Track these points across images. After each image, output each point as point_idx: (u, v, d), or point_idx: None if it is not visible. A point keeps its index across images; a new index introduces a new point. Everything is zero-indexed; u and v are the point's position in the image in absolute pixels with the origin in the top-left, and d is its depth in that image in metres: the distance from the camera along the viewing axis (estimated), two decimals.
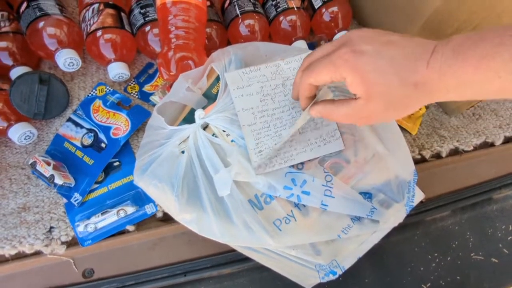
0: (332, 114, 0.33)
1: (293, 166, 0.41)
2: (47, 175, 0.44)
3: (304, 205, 0.42)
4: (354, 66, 0.28)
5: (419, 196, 0.46)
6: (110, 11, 0.51)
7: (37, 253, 0.43)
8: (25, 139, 0.47)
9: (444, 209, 0.57)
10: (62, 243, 0.44)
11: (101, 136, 0.47)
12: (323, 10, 0.57)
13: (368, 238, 0.43)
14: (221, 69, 0.44)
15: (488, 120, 0.61)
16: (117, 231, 0.44)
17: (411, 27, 0.53)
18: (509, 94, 0.25)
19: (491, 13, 0.43)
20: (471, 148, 0.58)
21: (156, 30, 0.52)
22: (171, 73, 0.47)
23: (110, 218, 0.43)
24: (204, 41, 0.51)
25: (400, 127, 0.57)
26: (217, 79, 0.45)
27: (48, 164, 0.44)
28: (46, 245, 0.43)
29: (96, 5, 0.51)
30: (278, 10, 0.56)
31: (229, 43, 0.58)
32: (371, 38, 0.29)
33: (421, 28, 0.52)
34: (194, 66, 0.47)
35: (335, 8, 0.57)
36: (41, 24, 0.48)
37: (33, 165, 0.45)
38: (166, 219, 0.47)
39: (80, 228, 0.43)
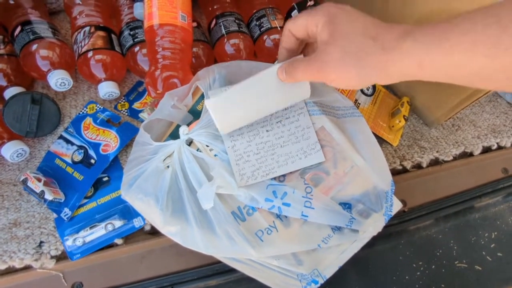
0: (295, 68, 0.33)
1: (274, 178, 0.43)
2: (38, 191, 0.45)
3: (286, 216, 0.43)
4: (329, 11, 0.30)
5: (397, 205, 0.47)
6: (100, 33, 0.54)
7: (27, 268, 0.45)
8: (17, 156, 0.49)
9: (427, 218, 0.59)
10: (52, 257, 0.45)
11: (91, 152, 0.49)
12: None
13: (348, 247, 0.45)
14: (206, 87, 0.46)
15: (467, 131, 0.63)
16: (106, 245, 0.46)
17: None
18: (483, 77, 0.25)
19: None
20: (451, 158, 0.60)
21: (144, 51, 0.54)
22: (158, 91, 0.49)
23: (98, 232, 0.44)
24: (191, 60, 0.53)
25: (382, 139, 0.59)
26: (202, 96, 0.47)
27: (39, 180, 0.46)
28: (36, 260, 0.44)
29: (87, 28, 0.53)
30: (261, 29, 0.59)
31: (215, 61, 0.61)
32: (351, 8, 0.31)
33: None
34: (180, 84, 0.49)
35: None
36: (34, 46, 0.50)
37: (24, 181, 0.46)
38: (154, 232, 0.49)
39: (69, 242, 0.44)
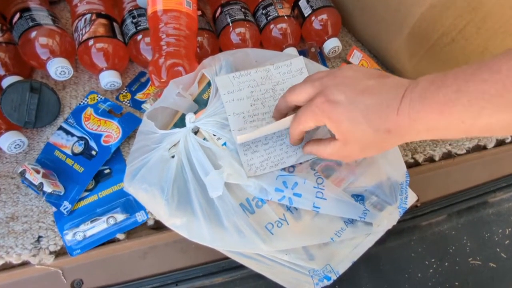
0: (319, 153, 0.37)
1: (284, 169, 0.41)
2: (36, 183, 0.43)
3: (296, 209, 0.41)
4: (329, 116, 0.31)
5: (412, 198, 0.45)
6: (102, 21, 0.52)
7: (25, 264, 0.42)
8: (15, 148, 0.47)
9: (440, 213, 0.57)
10: (51, 253, 0.43)
11: (92, 143, 0.47)
12: (313, 18, 0.58)
13: (362, 241, 0.43)
14: (212, 74, 0.44)
15: None
16: (107, 240, 0.44)
17: (399, 34, 0.54)
18: (476, 134, 0.27)
19: (474, 17, 0.44)
20: (464, 151, 0.58)
21: (147, 39, 0.52)
22: (162, 80, 0.47)
23: (99, 226, 0.42)
24: (196, 49, 0.51)
25: None
26: (208, 84, 0.45)
27: (38, 172, 0.44)
28: (34, 255, 0.42)
29: (88, 15, 0.52)
30: (268, 18, 0.57)
31: (220, 51, 0.59)
32: (346, 87, 0.31)
33: (409, 34, 0.53)
34: (184, 72, 0.47)
35: (324, 16, 0.58)
36: (33, 34, 0.48)
37: (22, 173, 0.44)
38: (158, 227, 0.47)
39: (69, 237, 0.42)
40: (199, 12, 0.57)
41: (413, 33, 0.52)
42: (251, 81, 0.44)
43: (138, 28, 0.53)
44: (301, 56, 0.47)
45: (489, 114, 0.24)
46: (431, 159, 0.57)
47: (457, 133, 0.28)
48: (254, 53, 0.48)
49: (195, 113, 0.44)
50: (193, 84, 0.46)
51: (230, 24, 0.56)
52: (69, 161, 0.47)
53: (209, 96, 0.44)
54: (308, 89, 0.34)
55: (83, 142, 0.47)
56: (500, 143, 0.61)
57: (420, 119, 0.27)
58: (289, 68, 0.46)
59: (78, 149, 0.47)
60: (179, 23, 0.47)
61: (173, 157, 0.41)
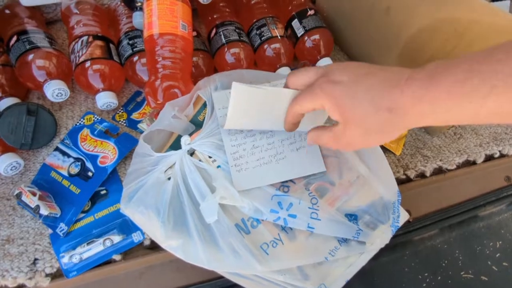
0: (320, 139, 0.35)
1: (279, 189, 0.42)
2: (33, 206, 0.43)
3: (291, 228, 0.42)
4: (330, 94, 0.30)
5: (404, 216, 0.46)
6: (99, 42, 0.53)
7: (21, 287, 0.42)
8: (11, 169, 0.47)
9: (432, 228, 0.58)
10: (47, 275, 0.43)
11: (88, 164, 0.48)
12: (306, 38, 0.60)
13: (355, 260, 0.43)
14: (207, 96, 0.46)
15: (469, 139, 0.63)
16: (103, 261, 0.44)
17: (389, 54, 0.56)
18: (482, 119, 0.26)
19: (461, 41, 0.45)
20: (454, 166, 0.60)
21: (143, 60, 0.53)
22: (158, 102, 0.48)
23: (96, 248, 0.43)
24: (191, 70, 0.52)
25: (385, 148, 0.58)
26: (204, 106, 0.46)
27: (34, 194, 0.44)
28: (30, 278, 0.42)
29: (85, 37, 0.52)
30: (262, 39, 0.58)
31: (215, 71, 0.60)
32: (349, 70, 0.31)
33: (399, 55, 0.54)
34: (180, 94, 0.48)
35: (316, 36, 0.59)
36: (30, 56, 0.49)
37: (18, 195, 0.44)
38: (154, 247, 0.47)
39: (65, 260, 0.42)
40: (194, 33, 0.58)
41: (402, 54, 0.54)
42: None
43: (134, 49, 0.54)
44: None
45: (500, 94, 0.23)
46: (422, 175, 0.59)
47: (463, 116, 0.26)
48: (249, 74, 0.49)
49: (190, 134, 0.45)
50: (188, 106, 0.47)
51: (225, 44, 0.57)
52: (66, 182, 0.47)
53: (204, 118, 0.45)
54: (310, 73, 0.33)
55: (79, 163, 0.48)
56: (489, 158, 0.63)
57: (425, 99, 0.26)
58: None
59: (75, 170, 0.48)
60: (174, 46, 0.48)
61: (169, 179, 0.41)
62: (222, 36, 0.57)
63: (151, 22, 0.48)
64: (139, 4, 0.54)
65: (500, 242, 0.63)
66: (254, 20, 0.60)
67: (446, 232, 0.60)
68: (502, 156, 0.63)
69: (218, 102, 0.44)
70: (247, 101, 0.37)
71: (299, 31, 0.60)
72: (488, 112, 0.25)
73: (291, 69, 0.59)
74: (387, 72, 0.29)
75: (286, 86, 0.37)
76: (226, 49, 0.57)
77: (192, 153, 0.43)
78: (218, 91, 0.45)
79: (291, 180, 0.43)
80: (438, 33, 0.47)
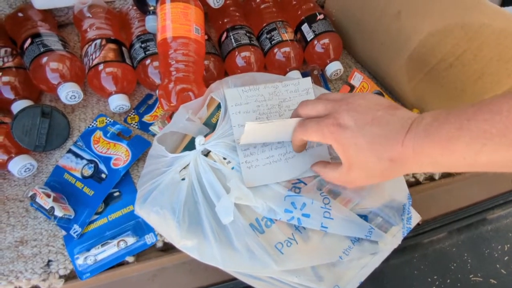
0: (325, 175, 0.39)
1: (291, 189, 0.42)
2: (47, 207, 0.43)
3: (304, 228, 0.42)
4: (337, 139, 0.33)
5: (415, 218, 0.47)
6: (112, 46, 0.53)
7: None
8: (25, 171, 0.47)
9: (440, 230, 0.58)
10: (60, 277, 0.43)
11: (102, 166, 0.48)
12: (315, 42, 0.60)
13: (368, 262, 0.43)
14: (221, 97, 0.46)
15: None
16: (116, 263, 0.44)
17: (399, 58, 0.56)
18: (478, 169, 0.28)
19: (471, 45, 0.46)
20: None
21: (156, 63, 0.54)
22: (172, 104, 0.48)
23: (110, 250, 0.43)
24: (203, 73, 0.53)
25: None
26: (217, 108, 0.47)
27: (48, 196, 0.44)
28: (44, 280, 0.42)
29: (98, 41, 0.53)
30: (272, 42, 0.59)
31: (226, 74, 0.60)
32: (357, 114, 0.33)
33: (408, 59, 0.55)
34: (193, 97, 0.48)
35: (326, 40, 0.60)
36: (44, 59, 0.49)
37: (32, 197, 0.45)
38: (166, 248, 0.47)
39: (80, 261, 0.42)
40: (206, 37, 0.59)
41: (412, 58, 0.55)
42: (258, 96, 0.46)
43: (147, 52, 0.54)
44: (309, 78, 0.49)
45: (490, 152, 0.26)
46: (431, 178, 0.59)
47: (459, 168, 0.29)
48: (261, 77, 0.50)
49: (204, 136, 0.45)
50: (202, 108, 0.47)
51: (236, 48, 0.57)
52: (79, 184, 0.47)
53: (218, 120, 0.46)
54: (320, 108, 0.36)
55: (92, 165, 0.48)
56: None
57: (424, 153, 0.29)
58: (297, 87, 0.48)
59: (88, 172, 0.48)
60: (188, 49, 0.49)
61: (183, 179, 0.42)
62: (233, 40, 0.58)
63: (164, 26, 0.49)
64: (151, 8, 0.55)
65: (508, 245, 0.63)
66: (264, 24, 0.61)
67: (455, 235, 0.60)
68: None
69: (230, 99, 0.45)
70: (258, 134, 0.40)
71: (309, 35, 0.61)
72: (482, 165, 0.27)
73: (301, 73, 0.60)
74: (391, 119, 0.31)
75: (296, 113, 0.39)
76: (236, 52, 0.57)
77: (206, 154, 0.43)
78: (231, 88, 0.46)
79: (302, 181, 0.43)
80: (448, 37, 0.47)
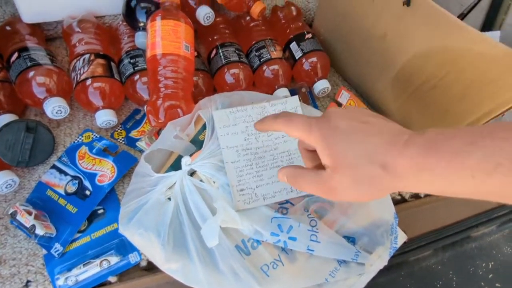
0: (299, 179, 0.31)
1: (277, 210, 0.42)
2: (28, 226, 0.42)
3: (291, 249, 0.42)
4: (325, 135, 0.29)
5: (402, 237, 0.47)
6: (100, 61, 0.53)
7: None
8: (6, 187, 0.46)
9: (426, 248, 0.59)
10: None
11: (86, 183, 0.47)
12: (303, 60, 0.61)
13: (355, 282, 0.43)
14: (208, 116, 0.46)
15: None
16: (98, 283, 0.43)
17: (384, 77, 0.58)
18: (481, 196, 0.24)
19: (454, 68, 0.47)
20: None
21: (144, 79, 0.54)
22: (160, 121, 0.48)
23: (92, 270, 0.42)
24: (192, 89, 0.53)
25: None
26: (204, 126, 0.47)
27: (29, 213, 0.43)
28: None
29: (87, 56, 0.53)
30: (261, 60, 0.60)
31: (215, 90, 0.61)
32: (349, 116, 0.29)
33: (393, 79, 0.56)
34: (182, 113, 0.48)
35: (314, 59, 0.61)
36: (31, 73, 0.49)
37: (13, 214, 0.43)
38: (150, 268, 0.46)
39: (60, 282, 0.41)
40: (195, 54, 0.59)
41: (397, 78, 0.56)
42: (246, 117, 0.46)
43: (135, 68, 0.54)
44: (296, 96, 0.49)
45: (505, 173, 0.22)
46: (416, 196, 0.60)
47: (462, 189, 0.24)
48: (249, 95, 0.50)
49: (191, 154, 0.45)
50: (189, 125, 0.47)
51: (225, 65, 0.58)
52: (62, 201, 0.46)
53: (205, 137, 0.46)
54: (308, 119, 0.30)
55: (77, 181, 0.47)
56: None
57: (425, 166, 0.24)
58: (285, 105, 0.48)
59: (72, 188, 0.47)
60: (177, 66, 0.49)
61: (169, 199, 0.41)
62: (222, 57, 0.59)
63: (154, 43, 0.49)
64: (141, 24, 0.55)
65: (492, 263, 0.64)
66: (253, 42, 0.62)
67: (440, 253, 0.61)
68: None
69: (218, 121, 0.45)
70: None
71: (297, 54, 0.62)
72: (489, 191, 0.23)
73: (289, 90, 0.60)
74: (386, 125, 0.28)
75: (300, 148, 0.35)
76: (226, 69, 0.58)
77: (192, 173, 0.43)
78: (218, 110, 0.46)
79: (289, 202, 0.43)
80: (432, 59, 0.49)
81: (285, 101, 0.48)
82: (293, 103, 0.48)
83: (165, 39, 0.49)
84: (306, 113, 0.49)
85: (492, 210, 0.65)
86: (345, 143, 0.28)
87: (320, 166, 0.31)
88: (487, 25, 0.54)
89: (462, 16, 0.59)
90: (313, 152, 0.32)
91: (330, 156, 0.28)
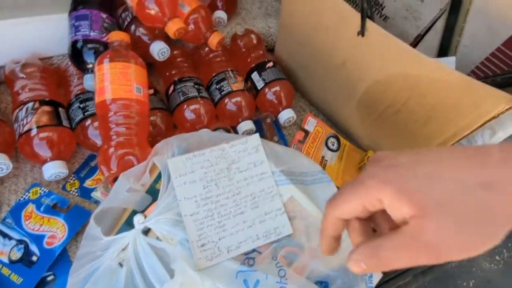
0: (381, 253, 0.21)
1: (243, 262, 0.39)
2: None
3: None
4: (388, 179, 0.21)
5: (377, 276, 0.45)
6: (46, 108, 0.49)
7: None
8: None
9: (405, 275, 0.57)
10: None
11: (33, 247, 0.43)
12: (266, 90, 0.59)
13: None
14: (163, 164, 0.43)
15: None
16: None
17: (348, 103, 0.57)
18: None
19: (414, 93, 0.47)
20: None
21: (96, 124, 0.50)
22: (112, 171, 0.45)
23: None
24: (148, 131, 0.50)
25: None
26: (161, 174, 0.44)
27: None
28: None
29: (30, 104, 0.49)
30: (222, 93, 0.58)
31: (175, 127, 0.58)
32: (404, 152, 0.23)
33: (357, 104, 0.55)
34: (136, 161, 0.45)
35: (277, 88, 0.59)
36: None
37: None
38: None
39: None
40: (151, 91, 0.56)
41: (361, 104, 0.55)
42: (204, 162, 0.43)
43: (85, 113, 0.51)
44: (257, 134, 0.47)
45: None
46: None
47: None
48: (209, 135, 0.48)
49: (145, 209, 0.41)
50: (144, 174, 0.44)
51: (184, 102, 0.55)
52: (5, 271, 0.42)
53: (161, 186, 0.42)
54: (356, 180, 0.23)
55: (22, 246, 0.43)
56: None
57: None
58: (245, 146, 0.46)
59: (17, 255, 0.42)
60: (129, 111, 0.46)
61: (121, 265, 0.37)
62: (180, 93, 0.56)
63: (103, 87, 0.46)
64: (90, 66, 0.52)
65: (473, 281, 0.63)
66: (214, 74, 0.60)
67: (420, 278, 0.59)
68: None
69: (174, 170, 0.42)
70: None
71: (259, 84, 0.60)
72: None
73: (254, 121, 0.58)
74: (444, 149, 0.23)
75: (332, 220, 0.25)
76: (185, 106, 0.55)
77: (148, 230, 0.40)
78: (174, 158, 0.43)
79: (256, 250, 0.41)
80: (392, 86, 0.48)
81: (245, 140, 0.46)
82: (254, 142, 0.46)
83: (114, 82, 0.46)
84: (268, 150, 0.46)
85: None
86: (423, 179, 0.21)
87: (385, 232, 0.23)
88: (444, 47, 0.54)
89: (420, 38, 0.59)
90: (364, 221, 0.25)
91: (409, 202, 0.20)
